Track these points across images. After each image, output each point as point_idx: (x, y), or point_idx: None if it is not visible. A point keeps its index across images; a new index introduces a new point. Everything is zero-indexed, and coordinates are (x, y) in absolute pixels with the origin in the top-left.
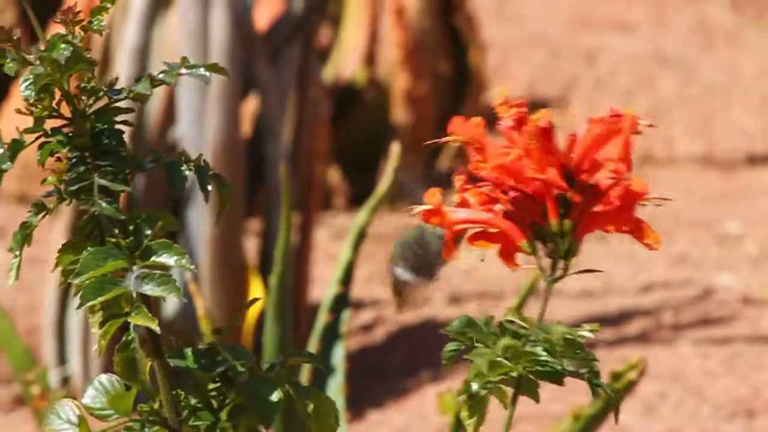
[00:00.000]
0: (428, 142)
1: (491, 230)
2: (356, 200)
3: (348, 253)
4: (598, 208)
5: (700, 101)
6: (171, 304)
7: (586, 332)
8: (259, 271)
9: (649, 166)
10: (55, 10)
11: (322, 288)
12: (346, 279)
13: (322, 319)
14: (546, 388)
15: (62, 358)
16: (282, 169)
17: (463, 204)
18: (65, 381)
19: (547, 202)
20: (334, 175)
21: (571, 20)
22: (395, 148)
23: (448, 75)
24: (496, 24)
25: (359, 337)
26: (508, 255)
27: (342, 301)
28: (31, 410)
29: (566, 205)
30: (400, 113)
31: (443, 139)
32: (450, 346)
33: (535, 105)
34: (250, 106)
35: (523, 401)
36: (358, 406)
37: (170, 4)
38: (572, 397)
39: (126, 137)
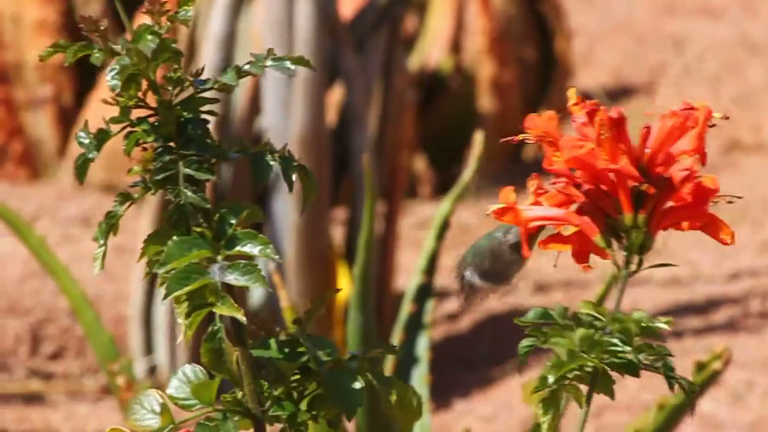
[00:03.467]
0: (504, 140)
1: (564, 231)
2: (442, 189)
3: (432, 243)
4: (670, 204)
5: None
6: (256, 295)
7: (661, 324)
8: (345, 260)
9: (736, 153)
10: (141, 1)
11: (408, 277)
12: (430, 269)
13: (406, 308)
14: (637, 378)
15: (149, 348)
16: (365, 158)
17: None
18: (152, 371)
19: (620, 194)
20: (419, 164)
21: (657, 7)
22: (479, 137)
23: (534, 62)
24: (582, 11)
25: (444, 327)
26: (582, 255)
27: (426, 291)
28: (117, 400)
29: (640, 198)
30: (485, 101)
31: (518, 137)
32: (526, 342)
33: (623, 91)
34: (336, 95)
35: (614, 389)
36: (443, 395)
37: None
38: (664, 385)
39: (212, 127)
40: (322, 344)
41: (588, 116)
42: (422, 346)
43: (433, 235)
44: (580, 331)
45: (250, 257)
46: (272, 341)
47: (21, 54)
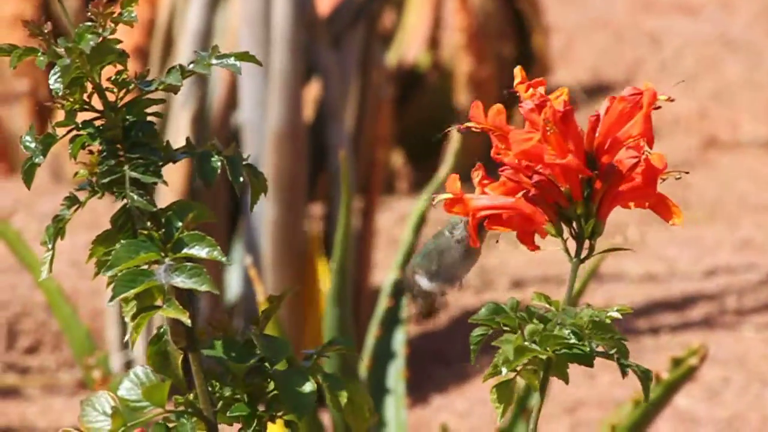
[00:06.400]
0: (445, 130)
1: (509, 215)
2: (419, 184)
3: (409, 238)
4: (620, 187)
5: (765, 85)
6: (233, 290)
7: (614, 313)
8: (324, 256)
9: (713, 150)
10: None
11: (386, 272)
12: (407, 264)
13: (383, 304)
14: (609, 373)
15: (125, 343)
16: (342, 154)
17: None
18: (128, 365)
19: (570, 184)
20: (396, 159)
21: (635, 3)
22: (456, 133)
23: (512, 58)
24: (560, 7)
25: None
26: (527, 236)
27: (403, 286)
28: None
29: (590, 186)
30: (463, 97)
31: (464, 126)
32: (477, 332)
33: (600, 88)
34: (313, 90)
35: (587, 385)
36: (420, 390)
37: None
38: (636, 381)
39: (188, 122)
40: (277, 344)
41: (537, 106)
42: (399, 341)
43: (410, 231)
44: (531, 326)
45: (198, 259)
46: (224, 342)
47: None
